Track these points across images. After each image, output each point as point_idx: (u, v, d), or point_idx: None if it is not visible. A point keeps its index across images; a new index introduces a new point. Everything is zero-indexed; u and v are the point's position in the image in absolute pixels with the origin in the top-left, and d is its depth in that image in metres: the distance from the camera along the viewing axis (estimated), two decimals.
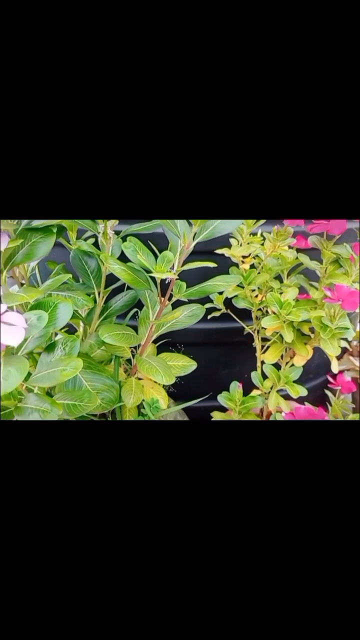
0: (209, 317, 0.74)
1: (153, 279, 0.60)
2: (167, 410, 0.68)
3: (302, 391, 0.69)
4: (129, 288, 0.69)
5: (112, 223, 0.61)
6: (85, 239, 0.69)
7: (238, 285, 0.69)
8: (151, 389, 0.68)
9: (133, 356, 0.68)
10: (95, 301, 0.64)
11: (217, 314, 0.75)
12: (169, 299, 0.62)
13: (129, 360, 0.72)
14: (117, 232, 0.63)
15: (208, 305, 0.71)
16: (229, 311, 0.75)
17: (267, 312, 0.69)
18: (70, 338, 0.49)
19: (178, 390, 0.87)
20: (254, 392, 0.74)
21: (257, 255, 0.70)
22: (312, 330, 0.70)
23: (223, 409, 0.76)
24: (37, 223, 0.50)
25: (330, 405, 0.72)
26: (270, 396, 0.70)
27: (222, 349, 0.95)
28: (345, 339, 0.68)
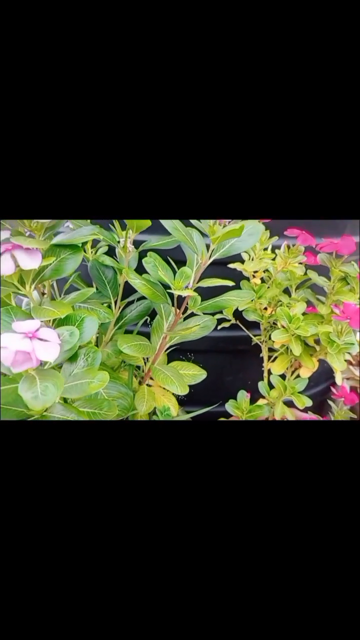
0: (219, 327, 0.76)
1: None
2: (178, 417, 0.71)
3: (308, 402, 0.72)
4: (142, 297, 0.71)
5: (132, 236, 0.63)
6: (98, 248, 0.71)
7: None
8: (162, 396, 0.70)
9: (145, 363, 0.70)
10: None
11: (227, 324, 0.77)
12: (183, 312, 0.64)
13: (137, 367, 0.75)
14: (135, 244, 0.65)
15: (219, 317, 0.73)
16: (238, 322, 0.78)
17: (274, 324, 0.71)
18: (92, 349, 0.51)
19: (183, 396, 0.90)
20: (260, 401, 0.76)
21: (267, 270, 0.73)
22: (317, 342, 0.72)
23: (228, 415, 0.79)
24: (62, 239, 0.52)
25: (333, 415, 0.75)
26: (277, 406, 0.73)
27: (227, 356, 0.97)
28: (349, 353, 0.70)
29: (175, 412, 0.69)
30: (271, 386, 0.75)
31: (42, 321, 0.41)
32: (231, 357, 0.99)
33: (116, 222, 0.64)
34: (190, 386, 0.78)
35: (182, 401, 0.89)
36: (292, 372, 0.75)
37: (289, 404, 0.75)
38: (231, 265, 0.71)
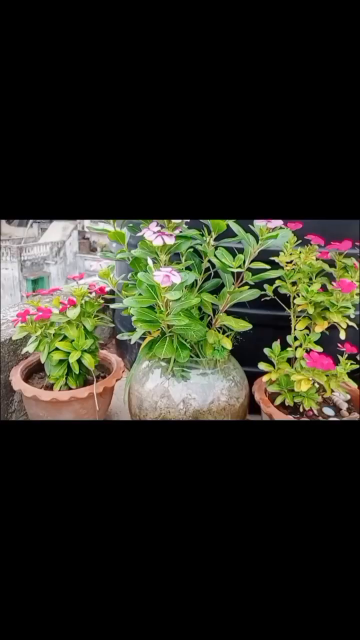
0: (262, 299, 1.18)
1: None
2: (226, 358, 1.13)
3: (319, 348, 1.10)
4: (216, 276, 1.15)
5: (213, 236, 1.08)
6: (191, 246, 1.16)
7: (281, 279, 1.13)
8: (223, 336, 1.13)
9: (214, 314, 1.13)
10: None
11: (267, 298, 1.19)
12: (241, 283, 1.07)
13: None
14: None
15: (262, 292, 1.15)
16: (275, 297, 1.19)
17: (298, 295, 1.12)
18: (188, 294, 0.95)
19: (238, 353, 1.29)
20: (288, 349, 1.16)
21: (296, 263, 1.14)
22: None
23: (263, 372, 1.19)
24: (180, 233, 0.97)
25: (339, 363, 1.13)
26: (298, 350, 1.13)
27: (269, 329, 1.38)
28: (348, 317, 1.09)
29: (229, 346, 1.10)
30: (296, 338, 1.15)
31: (173, 268, 0.86)
32: (272, 330, 1.39)
33: (205, 227, 1.10)
34: (239, 348, 1.18)
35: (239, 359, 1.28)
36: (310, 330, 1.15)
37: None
38: (272, 258, 1.14)
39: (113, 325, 1.41)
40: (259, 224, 1.00)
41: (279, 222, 0.98)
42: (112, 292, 1.29)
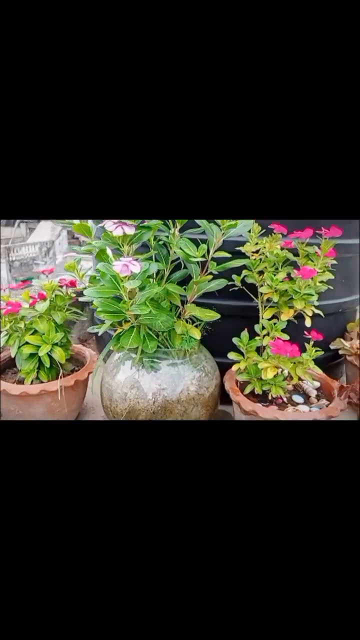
0: (230, 290, 1.19)
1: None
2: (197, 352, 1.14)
3: (285, 336, 1.12)
4: (184, 267, 1.16)
5: (177, 227, 1.09)
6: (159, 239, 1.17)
7: (248, 269, 1.14)
8: (191, 327, 1.14)
9: (182, 304, 1.14)
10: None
11: (235, 288, 1.20)
12: (206, 273, 1.08)
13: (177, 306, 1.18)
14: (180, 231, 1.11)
15: (230, 283, 1.16)
16: (243, 287, 1.20)
17: (264, 284, 1.14)
18: (153, 284, 0.96)
19: (211, 344, 1.31)
20: (257, 338, 1.18)
21: (262, 252, 1.16)
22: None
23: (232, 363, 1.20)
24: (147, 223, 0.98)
25: (305, 350, 1.14)
26: (265, 338, 1.14)
27: (237, 319, 1.39)
28: (314, 305, 1.10)
29: (198, 336, 1.11)
30: (263, 327, 1.16)
31: (132, 258, 0.87)
32: (245, 320, 1.40)
33: (170, 221, 1.10)
34: (208, 339, 1.20)
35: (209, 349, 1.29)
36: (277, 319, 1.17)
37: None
38: (238, 248, 1.15)
39: (86, 318, 1.42)
40: None
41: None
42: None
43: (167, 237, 1.10)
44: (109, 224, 0.92)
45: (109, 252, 0.94)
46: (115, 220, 0.92)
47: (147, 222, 0.97)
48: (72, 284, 1.28)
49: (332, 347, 1.49)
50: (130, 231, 0.90)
